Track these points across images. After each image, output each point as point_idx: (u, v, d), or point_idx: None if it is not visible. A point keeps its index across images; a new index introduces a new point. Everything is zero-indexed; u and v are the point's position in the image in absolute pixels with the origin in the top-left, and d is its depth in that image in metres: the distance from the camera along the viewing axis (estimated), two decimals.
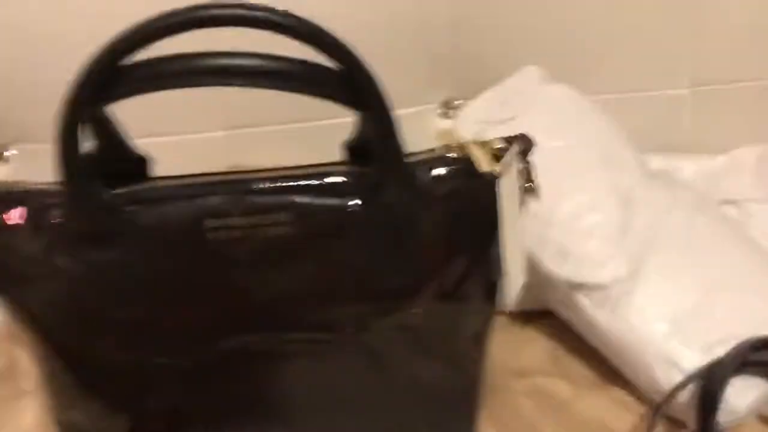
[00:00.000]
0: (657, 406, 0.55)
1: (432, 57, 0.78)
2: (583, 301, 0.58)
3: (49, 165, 0.45)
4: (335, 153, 0.50)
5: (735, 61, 0.83)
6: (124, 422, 0.51)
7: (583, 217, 0.60)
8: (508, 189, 0.47)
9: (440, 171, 0.47)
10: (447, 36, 0.77)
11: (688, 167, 0.77)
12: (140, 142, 0.50)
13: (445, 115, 0.82)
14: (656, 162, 0.70)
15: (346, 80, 0.41)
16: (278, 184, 0.46)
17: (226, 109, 0.77)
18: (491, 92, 0.71)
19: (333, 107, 0.76)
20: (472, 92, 0.78)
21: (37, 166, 0.46)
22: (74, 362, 0.49)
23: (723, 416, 0.52)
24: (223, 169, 0.49)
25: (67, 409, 0.51)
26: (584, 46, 0.79)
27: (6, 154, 0.78)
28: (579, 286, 0.59)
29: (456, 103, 0.81)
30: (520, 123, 0.65)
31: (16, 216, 0.45)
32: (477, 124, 0.67)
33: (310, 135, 0.79)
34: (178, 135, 0.77)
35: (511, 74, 0.73)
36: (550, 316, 0.68)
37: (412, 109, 0.76)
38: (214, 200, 0.45)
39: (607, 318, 0.57)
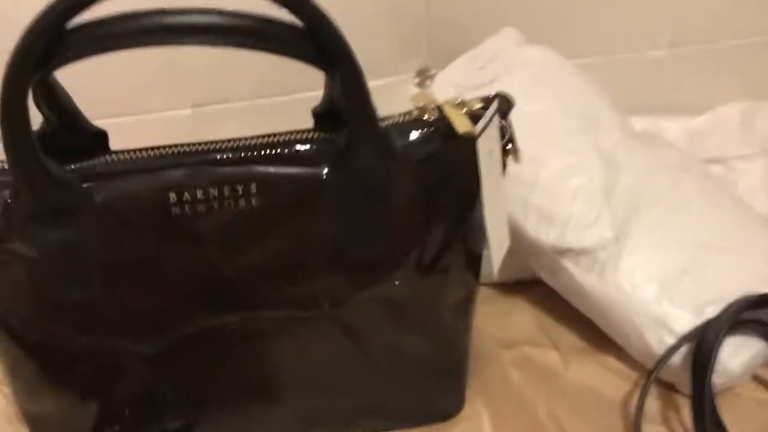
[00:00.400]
0: (650, 371, 0.53)
1: (405, 25, 0.76)
2: (570, 266, 0.56)
3: None
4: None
5: (714, 21, 0.81)
6: (94, 410, 0.49)
7: (566, 181, 0.58)
8: (487, 151, 0.45)
9: (415, 134, 0.45)
10: (420, 2, 0.74)
11: (670, 127, 0.75)
12: (103, 123, 0.46)
13: (421, 85, 0.79)
14: (639, 123, 0.68)
15: (311, 37, 0.38)
16: (243, 155, 0.44)
17: (192, 85, 0.74)
18: (467, 55, 0.68)
19: (301, 81, 0.75)
20: (447, 60, 0.76)
21: None
22: (36, 351, 0.46)
23: (717, 378, 0.51)
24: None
25: (34, 400, 0.49)
26: (561, 8, 0.77)
27: None
28: (565, 252, 0.57)
29: (431, 72, 0.78)
30: (499, 86, 0.62)
31: None
32: (454, 87, 0.65)
33: (279, 110, 0.77)
34: (143, 114, 0.74)
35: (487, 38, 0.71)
36: (534, 285, 0.66)
37: (386, 80, 0.74)
38: (176, 173, 0.43)
39: (594, 282, 0.56)
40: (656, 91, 0.82)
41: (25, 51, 0.36)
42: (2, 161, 0.42)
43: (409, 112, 0.46)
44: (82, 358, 0.47)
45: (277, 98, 0.76)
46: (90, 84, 0.45)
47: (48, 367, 0.47)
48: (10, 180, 0.41)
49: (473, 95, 0.47)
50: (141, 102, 0.73)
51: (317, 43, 0.38)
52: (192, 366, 0.48)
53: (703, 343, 0.51)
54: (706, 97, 0.81)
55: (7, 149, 0.39)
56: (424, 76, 0.79)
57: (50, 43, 0.36)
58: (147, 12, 0.36)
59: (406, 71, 0.78)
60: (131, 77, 0.72)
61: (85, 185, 0.42)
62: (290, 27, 0.38)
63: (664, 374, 0.55)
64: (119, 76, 0.70)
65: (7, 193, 0.42)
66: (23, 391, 0.49)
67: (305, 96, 0.76)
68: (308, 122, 0.47)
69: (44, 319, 0.45)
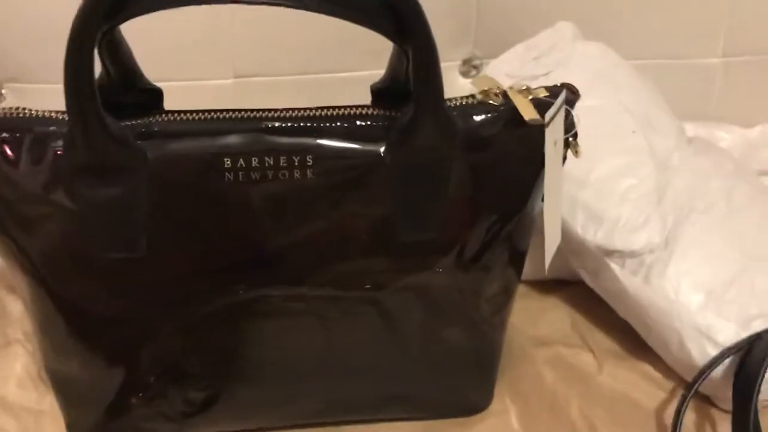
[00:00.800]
0: (691, 383, 0.52)
1: (456, 13, 0.75)
2: (615, 267, 0.55)
3: (42, 105, 0.42)
4: None
5: None
6: (120, 375, 0.48)
7: (618, 180, 0.57)
8: (552, 141, 0.43)
9: (478, 117, 0.43)
10: None
11: (725, 136, 0.74)
12: None
13: (466, 74, 0.78)
14: (692, 130, 0.67)
15: (390, 8, 0.37)
16: (301, 125, 0.43)
17: (236, 56, 0.74)
18: (522, 46, 0.67)
19: (344, 61, 0.74)
20: (494, 50, 0.74)
21: (30, 105, 0.42)
22: (69, 309, 0.45)
23: (764, 395, 0.50)
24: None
25: (60, 359, 0.48)
26: (616, 8, 0.76)
27: (3, 91, 0.75)
28: (611, 253, 0.55)
29: (476, 61, 0.77)
30: (554, 78, 0.61)
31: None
32: (507, 77, 0.63)
33: (319, 87, 0.76)
34: (188, 80, 0.73)
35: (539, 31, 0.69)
36: (571, 284, 0.65)
37: None
38: (232, 138, 0.42)
39: (639, 286, 0.54)
40: (706, 99, 0.80)
41: (96, 1, 0.35)
42: (59, 112, 0.41)
43: (472, 96, 0.45)
44: (113, 321, 0.46)
45: (318, 75, 0.76)
46: (137, 46, 0.44)
47: (78, 328, 0.46)
48: (63, 132, 0.40)
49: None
50: (185, 68, 0.73)
51: (396, 14, 0.37)
52: (223, 338, 0.47)
53: (749, 358, 0.50)
54: (757, 108, 0.80)
55: (69, 98, 0.38)
56: (469, 65, 0.78)
57: None
58: None
59: (452, 59, 0.77)
60: (178, 43, 0.71)
61: (139, 142, 0.41)
62: None
63: (702, 386, 0.53)
64: (166, 41, 0.70)
65: (58, 143, 0.41)
66: (51, 350, 0.48)
67: (346, 75, 0.76)
68: (349, 101, 0.46)
69: (81, 277, 0.44)
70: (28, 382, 0.57)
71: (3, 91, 0.74)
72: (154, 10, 0.36)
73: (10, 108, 0.42)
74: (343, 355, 0.49)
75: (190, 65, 0.73)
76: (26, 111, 0.42)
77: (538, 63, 0.63)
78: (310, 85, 0.76)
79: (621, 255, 0.55)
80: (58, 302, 0.45)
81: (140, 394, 0.49)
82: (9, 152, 0.41)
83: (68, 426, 0.51)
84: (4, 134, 0.41)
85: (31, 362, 0.58)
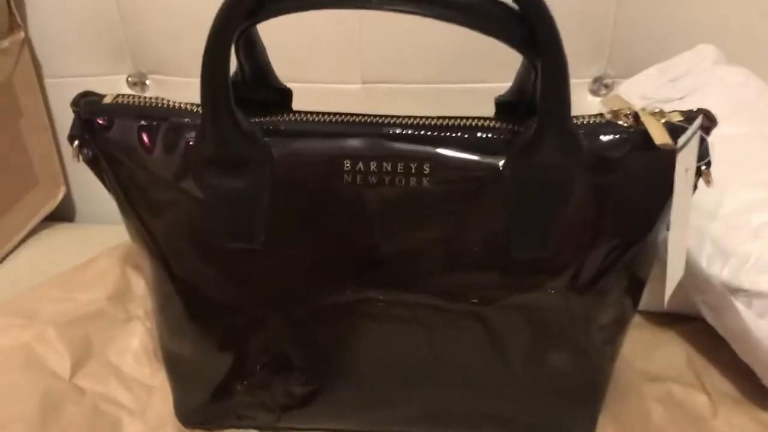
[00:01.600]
0: None
1: (591, 28, 0.73)
2: (740, 307, 0.51)
3: (183, 97, 0.45)
4: None
5: None
6: (228, 360, 0.50)
7: (751, 216, 0.53)
8: (683, 168, 0.41)
9: (606, 137, 0.42)
10: (611, 11, 0.71)
11: None
12: None
13: (596, 93, 0.76)
14: None
15: (524, 21, 0.36)
16: (421, 133, 0.43)
17: (365, 62, 0.75)
18: (657, 67, 0.64)
19: (472, 72, 0.74)
20: (626, 71, 0.73)
21: (172, 97, 0.44)
22: (188, 292, 0.47)
23: None
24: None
25: (174, 340, 0.51)
26: (761, 32, 0.71)
27: (147, 82, 0.79)
28: (737, 291, 0.52)
29: (608, 80, 0.75)
30: (690, 103, 0.59)
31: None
32: (640, 98, 0.61)
33: (444, 97, 0.77)
34: (316, 83, 0.75)
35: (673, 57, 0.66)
36: (688, 320, 0.62)
37: None
38: (354, 142, 0.42)
39: (764, 330, 0.51)
40: None
41: (237, 1, 0.36)
42: (194, 104, 0.43)
43: (601, 115, 0.43)
44: (227, 307, 0.47)
45: (444, 85, 0.76)
46: (269, 45, 0.46)
47: (194, 311, 0.48)
48: (196, 124, 0.42)
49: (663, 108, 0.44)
50: (314, 71, 0.75)
51: (529, 28, 0.36)
52: (329, 336, 0.48)
53: None
54: None
55: (204, 92, 0.39)
56: (600, 83, 0.76)
57: None
58: None
59: (582, 75, 0.75)
60: (309, 46, 0.73)
61: (267, 139, 0.42)
62: (505, 7, 0.36)
63: None
64: (298, 43, 0.72)
65: (191, 134, 0.43)
66: (167, 330, 0.51)
67: (472, 87, 0.76)
68: (471, 112, 0.45)
69: (203, 262, 0.46)
70: (143, 357, 0.60)
71: (147, 82, 0.79)
72: (292, 12, 0.37)
73: (150, 97, 0.44)
74: (443, 367, 0.49)
75: (319, 68, 0.75)
76: (164, 101, 0.44)
77: (673, 86, 0.60)
78: (435, 94, 0.76)
79: (747, 295, 0.52)
80: (177, 284, 0.47)
81: (245, 382, 0.51)
82: (146, 139, 0.43)
83: (176, 403, 0.54)
84: (143, 122, 0.43)
85: (148, 339, 0.61)
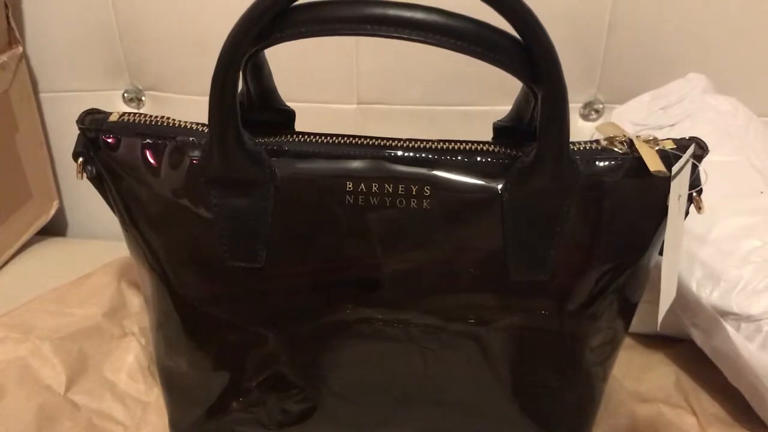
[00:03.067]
0: None
1: (583, 57, 0.74)
2: (730, 330, 0.52)
3: (178, 114, 0.45)
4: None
5: None
6: (225, 377, 0.50)
7: (741, 241, 0.54)
8: (676, 195, 0.42)
9: (601, 164, 0.43)
10: (603, 38, 0.73)
11: None
12: None
13: (587, 117, 0.78)
14: None
15: (525, 50, 0.37)
16: (422, 156, 0.44)
17: (362, 83, 0.76)
18: (649, 95, 0.66)
19: (467, 94, 0.75)
20: (618, 96, 0.74)
21: (167, 113, 0.45)
22: (185, 308, 0.48)
23: None
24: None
25: (170, 355, 0.51)
26: (750, 62, 0.73)
27: (143, 98, 0.80)
28: (726, 314, 0.53)
29: (599, 105, 0.76)
30: (681, 130, 0.60)
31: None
32: (632, 125, 0.62)
33: (438, 118, 0.78)
34: (313, 103, 0.76)
35: (663, 84, 0.68)
36: (680, 342, 0.63)
37: None
38: (356, 164, 0.43)
39: (753, 352, 0.52)
40: None
41: (249, 24, 0.37)
42: (199, 124, 0.44)
43: (597, 141, 0.44)
44: (224, 324, 0.48)
45: (438, 107, 0.77)
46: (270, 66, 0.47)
47: (193, 327, 0.49)
48: (201, 142, 0.43)
49: (654, 135, 0.45)
50: (311, 91, 0.76)
51: (531, 56, 0.37)
52: (326, 354, 0.48)
53: None
54: None
55: (212, 113, 0.40)
56: (591, 108, 0.77)
57: (272, 19, 0.37)
58: (371, 2, 0.36)
59: (574, 101, 0.77)
60: (307, 67, 0.74)
61: (271, 159, 0.43)
62: (508, 37, 0.37)
63: None
64: (296, 64, 0.73)
65: (195, 153, 0.43)
66: (164, 345, 0.51)
67: (466, 109, 0.77)
68: (464, 134, 0.47)
69: (203, 279, 0.46)
70: (138, 374, 0.60)
71: (143, 98, 0.79)
72: (300, 38, 0.38)
73: (155, 116, 0.45)
74: (438, 386, 0.50)
75: (316, 88, 0.76)
76: (169, 120, 0.45)
77: (665, 113, 0.62)
78: (430, 115, 0.77)
79: (737, 318, 0.53)
80: (175, 300, 0.47)
81: (241, 399, 0.51)
82: (151, 157, 0.44)
83: (171, 420, 0.54)
84: (148, 140, 0.44)
85: (144, 355, 0.61)
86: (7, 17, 0.73)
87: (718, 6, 0.70)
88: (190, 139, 0.44)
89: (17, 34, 0.75)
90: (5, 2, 0.72)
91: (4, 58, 0.73)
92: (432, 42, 0.36)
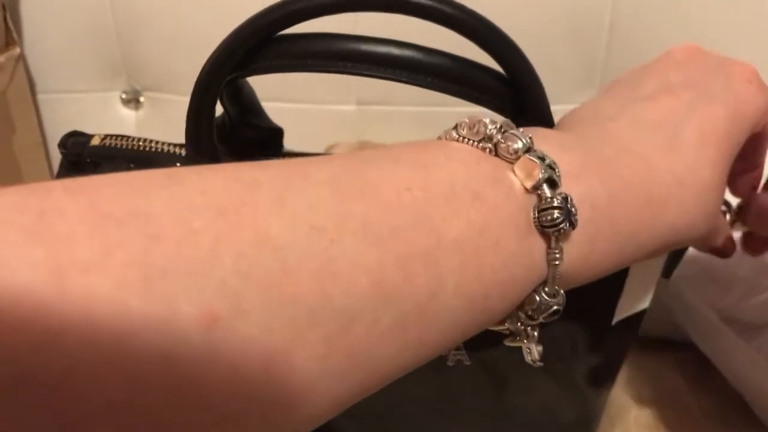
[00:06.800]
0: None
1: (584, 57, 0.73)
2: (730, 334, 0.52)
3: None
4: None
5: None
6: None
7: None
8: None
9: None
10: (604, 38, 0.72)
11: None
12: (271, 106, 0.47)
13: None
14: None
15: (511, 88, 0.36)
16: None
17: (361, 83, 0.75)
18: None
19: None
20: None
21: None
22: None
23: None
24: (353, 142, 0.46)
25: None
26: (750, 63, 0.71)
27: (141, 99, 0.79)
28: (728, 318, 0.53)
29: None
30: None
31: None
32: None
33: (441, 119, 0.76)
34: (311, 104, 0.75)
35: None
36: (681, 347, 0.62)
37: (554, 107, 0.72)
38: None
39: (755, 357, 0.51)
40: None
41: (228, 52, 0.36)
42: (176, 145, 0.44)
43: None
44: None
45: (437, 108, 0.76)
46: None
47: None
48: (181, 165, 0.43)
49: None
50: (309, 92, 0.75)
51: (517, 96, 0.36)
52: None
53: None
54: None
55: (189, 139, 0.40)
56: None
57: (252, 48, 0.36)
58: (358, 38, 0.35)
59: (573, 101, 0.75)
60: None
61: None
62: (490, 74, 0.36)
63: None
64: None
65: None
66: None
67: (466, 110, 0.76)
68: None
69: None
70: None
71: (141, 99, 0.79)
72: (281, 72, 0.37)
73: (138, 138, 0.44)
74: (436, 403, 0.49)
75: (314, 89, 0.75)
76: (152, 143, 0.44)
77: None
78: (428, 116, 0.77)
79: (739, 323, 0.52)
80: None
81: None
82: None
83: None
84: (132, 165, 0.43)
85: None
86: (5, 18, 0.73)
87: (718, 6, 0.69)
88: (177, 164, 0.43)
89: (14, 34, 0.74)
90: (2, 3, 0.72)
91: (1, 59, 0.73)
92: (408, 81, 0.36)
